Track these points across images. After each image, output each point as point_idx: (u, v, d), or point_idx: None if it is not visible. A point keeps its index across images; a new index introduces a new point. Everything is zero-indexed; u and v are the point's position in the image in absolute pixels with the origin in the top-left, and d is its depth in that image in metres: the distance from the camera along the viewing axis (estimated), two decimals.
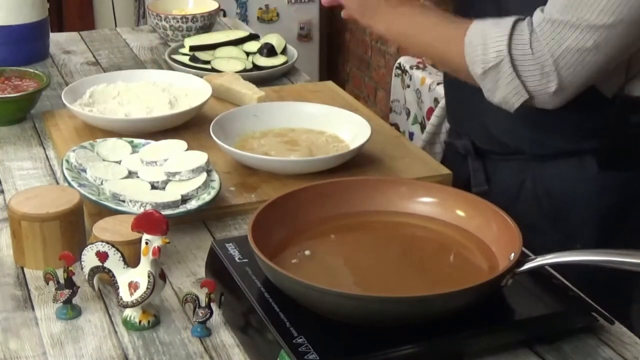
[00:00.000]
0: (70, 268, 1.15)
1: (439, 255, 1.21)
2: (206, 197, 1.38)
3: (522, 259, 1.10)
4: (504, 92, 1.33)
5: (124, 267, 1.14)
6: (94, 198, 1.34)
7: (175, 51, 2.11)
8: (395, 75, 3.30)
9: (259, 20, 4.10)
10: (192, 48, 2.08)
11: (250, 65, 2.04)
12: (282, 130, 1.65)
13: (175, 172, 1.41)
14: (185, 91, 1.79)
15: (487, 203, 1.22)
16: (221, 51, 2.09)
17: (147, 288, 1.11)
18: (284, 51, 2.12)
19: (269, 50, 2.08)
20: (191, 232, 1.36)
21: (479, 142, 1.58)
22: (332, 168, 1.52)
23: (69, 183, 1.38)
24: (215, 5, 2.32)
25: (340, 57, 4.45)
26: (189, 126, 1.69)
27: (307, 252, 1.18)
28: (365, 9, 1.48)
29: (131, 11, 4.19)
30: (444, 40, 1.40)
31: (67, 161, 1.44)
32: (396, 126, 3.24)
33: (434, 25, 1.42)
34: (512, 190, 1.52)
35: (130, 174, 1.45)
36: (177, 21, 2.21)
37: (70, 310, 1.16)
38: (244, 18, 4.03)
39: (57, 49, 2.22)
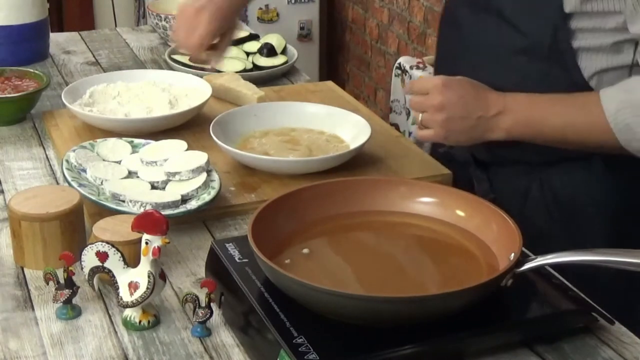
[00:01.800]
0: (70, 268, 1.15)
1: (439, 255, 1.21)
2: (206, 197, 1.38)
3: (522, 259, 1.10)
4: None
5: (124, 267, 1.14)
6: (94, 198, 1.34)
7: (175, 51, 2.11)
8: (395, 75, 3.30)
9: (259, 20, 4.10)
10: None
11: (250, 65, 2.04)
12: (282, 130, 1.65)
13: (175, 172, 1.41)
14: (185, 91, 1.79)
15: (487, 203, 1.22)
16: None
17: (147, 288, 1.11)
18: (284, 51, 2.12)
19: (269, 50, 2.08)
20: (191, 232, 1.36)
21: (479, 155, 1.55)
22: (332, 168, 1.52)
23: (69, 183, 1.38)
24: None
25: (340, 57, 4.45)
26: (189, 126, 1.69)
27: (305, 251, 1.18)
28: (464, 133, 1.41)
29: (131, 11, 4.19)
30: (584, 130, 1.36)
31: (67, 161, 1.44)
32: (396, 126, 3.24)
33: (563, 117, 1.37)
34: (519, 196, 1.50)
35: (130, 174, 1.45)
36: None
37: (70, 310, 1.16)
38: (244, 18, 4.03)
39: (57, 49, 2.21)
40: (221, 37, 1.66)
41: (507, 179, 1.52)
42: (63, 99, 1.70)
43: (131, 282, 1.12)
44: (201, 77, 1.85)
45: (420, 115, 1.43)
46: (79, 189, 1.35)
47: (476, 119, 1.39)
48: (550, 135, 1.39)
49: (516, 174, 1.50)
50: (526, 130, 1.40)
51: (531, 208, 1.49)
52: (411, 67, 3.19)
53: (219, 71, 1.98)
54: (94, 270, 1.15)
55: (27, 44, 2.08)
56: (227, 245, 1.21)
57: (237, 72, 1.96)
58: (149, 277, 1.11)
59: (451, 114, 1.39)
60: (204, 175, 1.42)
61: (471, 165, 1.56)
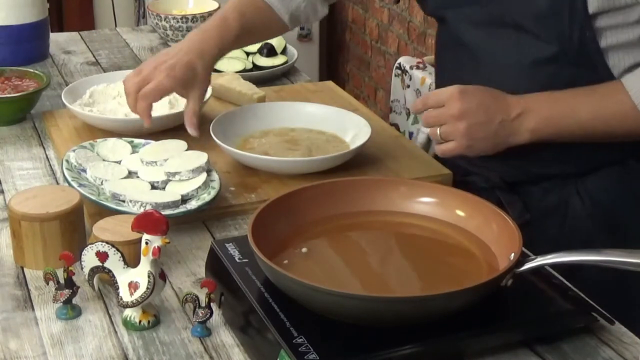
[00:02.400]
0: (70, 268, 1.15)
1: (439, 255, 1.21)
2: (206, 197, 1.38)
3: (522, 259, 1.10)
4: None
5: (124, 267, 1.14)
6: (94, 198, 1.34)
7: None
8: (395, 75, 3.30)
9: None
10: None
11: (250, 65, 2.04)
12: (282, 130, 1.65)
13: (175, 172, 1.41)
14: None
15: (487, 203, 1.22)
16: None
17: (147, 288, 1.11)
18: (284, 51, 2.12)
19: (269, 50, 2.08)
20: (191, 232, 1.36)
21: (509, 177, 1.50)
22: (332, 168, 1.52)
23: (69, 183, 1.38)
24: (215, 5, 2.32)
25: (340, 57, 4.45)
26: None
27: (305, 251, 1.18)
28: (487, 140, 1.37)
29: (131, 11, 4.19)
30: (611, 119, 1.35)
31: (67, 161, 1.44)
32: (396, 126, 3.23)
33: (587, 110, 1.36)
34: (559, 211, 1.46)
35: (130, 174, 1.45)
36: (177, 21, 2.21)
37: (70, 310, 1.16)
38: None
39: (57, 49, 2.21)
40: (188, 99, 1.54)
41: (541, 196, 1.48)
42: (63, 99, 1.70)
43: (131, 282, 1.12)
44: None
45: (439, 129, 1.37)
46: (79, 189, 1.35)
47: (498, 123, 1.35)
48: (577, 129, 1.36)
49: (551, 189, 1.47)
50: (551, 128, 1.36)
51: (573, 220, 1.45)
52: (411, 67, 3.18)
53: (219, 71, 1.98)
54: (94, 270, 1.15)
55: (27, 44, 2.08)
56: (227, 245, 1.21)
57: (237, 72, 1.96)
58: (149, 277, 1.11)
59: (472, 121, 1.35)
60: (204, 175, 1.42)
61: (499, 189, 1.50)
